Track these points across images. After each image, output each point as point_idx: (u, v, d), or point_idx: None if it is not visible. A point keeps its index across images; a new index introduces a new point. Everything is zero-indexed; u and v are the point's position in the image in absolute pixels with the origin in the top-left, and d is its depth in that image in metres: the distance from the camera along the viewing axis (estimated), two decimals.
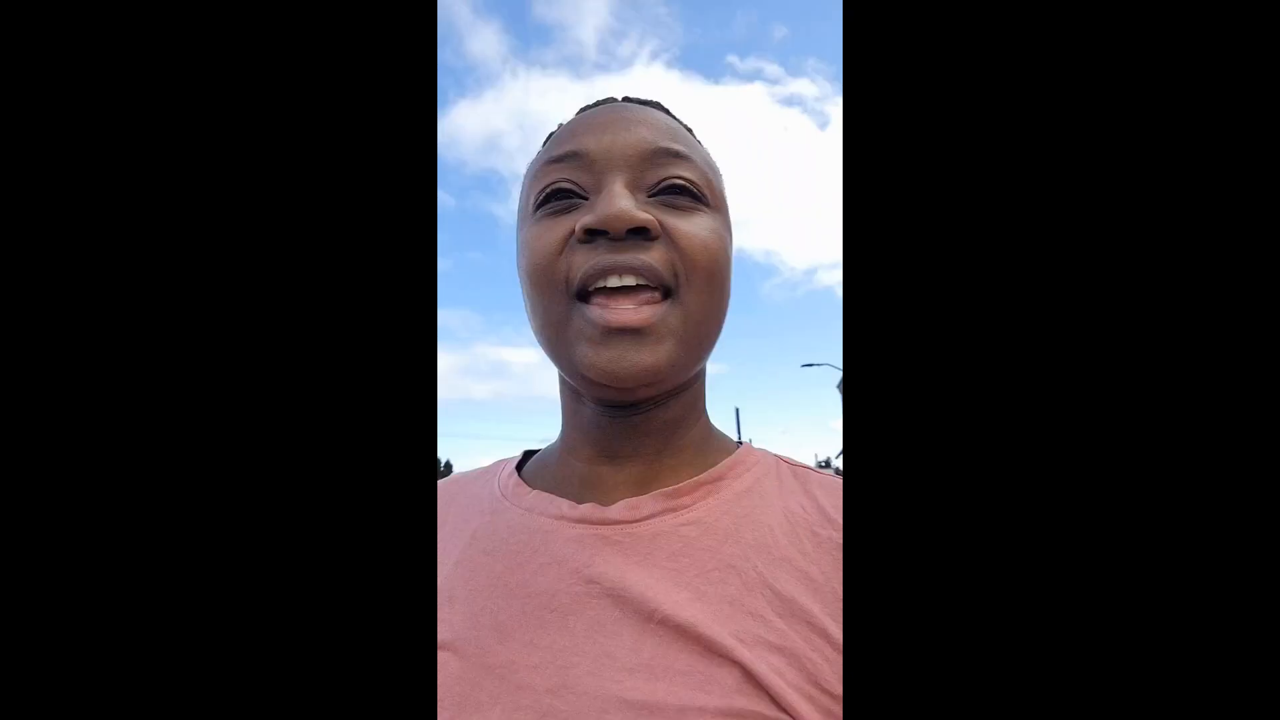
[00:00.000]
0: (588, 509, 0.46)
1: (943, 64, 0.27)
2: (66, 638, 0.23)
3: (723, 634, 0.38)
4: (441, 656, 0.41)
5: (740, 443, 0.54)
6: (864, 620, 0.26)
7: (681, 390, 0.49)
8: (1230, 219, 0.24)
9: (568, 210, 0.45)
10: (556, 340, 0.46)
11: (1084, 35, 0.26)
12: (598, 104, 0.52)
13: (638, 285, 0.43)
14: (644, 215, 0.43)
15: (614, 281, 0.43)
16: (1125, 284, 0.25)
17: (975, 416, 0.26)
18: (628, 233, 0.42)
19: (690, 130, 0.53)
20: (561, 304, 0.44)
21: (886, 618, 0.26)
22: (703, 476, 0.47)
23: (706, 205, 0.47)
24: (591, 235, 0.43)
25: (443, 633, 0.42)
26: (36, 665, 0.23)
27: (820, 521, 0.45)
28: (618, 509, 0.45)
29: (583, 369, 0.43)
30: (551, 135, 0.52)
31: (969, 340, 0.27)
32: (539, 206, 0.46)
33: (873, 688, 0.25)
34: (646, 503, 0.45)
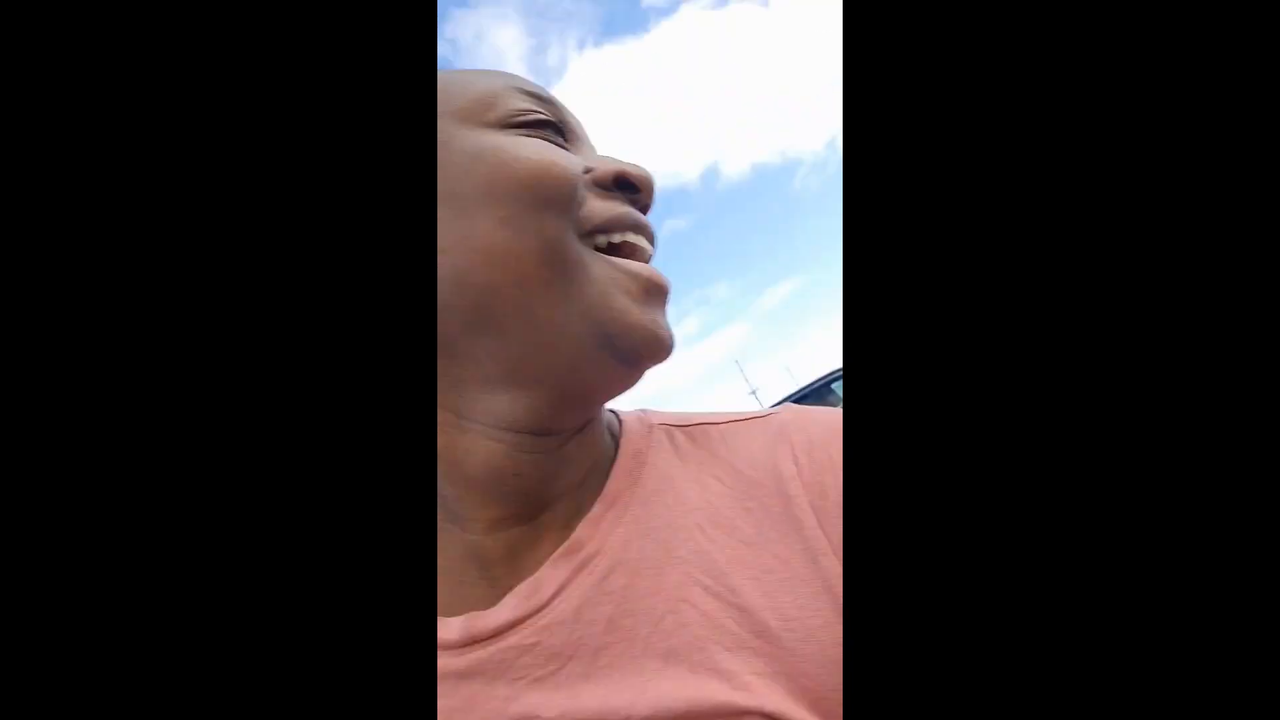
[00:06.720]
0: (468, 623, 0.34)
1: (943, 62, 0.27)
2: (69, 640, 0.23)
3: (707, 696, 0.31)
4: None
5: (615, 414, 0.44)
6: (864, 620, 0.26)
7: None
8: (1217, 214, 0.24)
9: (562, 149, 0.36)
10: (558, 282, 0.33)
11: (1083, 35, 0.26)
12: None
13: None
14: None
15: (633, 238, 0.36)
16: (1123, 290, 0.25)
17: (975, 417, 0.26)
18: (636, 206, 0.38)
19: None
20: (572, 239, 0.34)
21: (887, 618, 0.26)
22: (596, 509, 0.37)
23: None
24: (617, 187, 0.36)
25: None
26: (35, 665, 0.23)
27: (743, 484, 0.37)
28: (510, 607, 0.34)
29: (625, 325, 0.34)
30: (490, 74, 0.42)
31: (968, 340, 0.27)
32: (519, 126, 0.35)
33: (872, 686, 0.25)
34: (549, 575, 0.35)
